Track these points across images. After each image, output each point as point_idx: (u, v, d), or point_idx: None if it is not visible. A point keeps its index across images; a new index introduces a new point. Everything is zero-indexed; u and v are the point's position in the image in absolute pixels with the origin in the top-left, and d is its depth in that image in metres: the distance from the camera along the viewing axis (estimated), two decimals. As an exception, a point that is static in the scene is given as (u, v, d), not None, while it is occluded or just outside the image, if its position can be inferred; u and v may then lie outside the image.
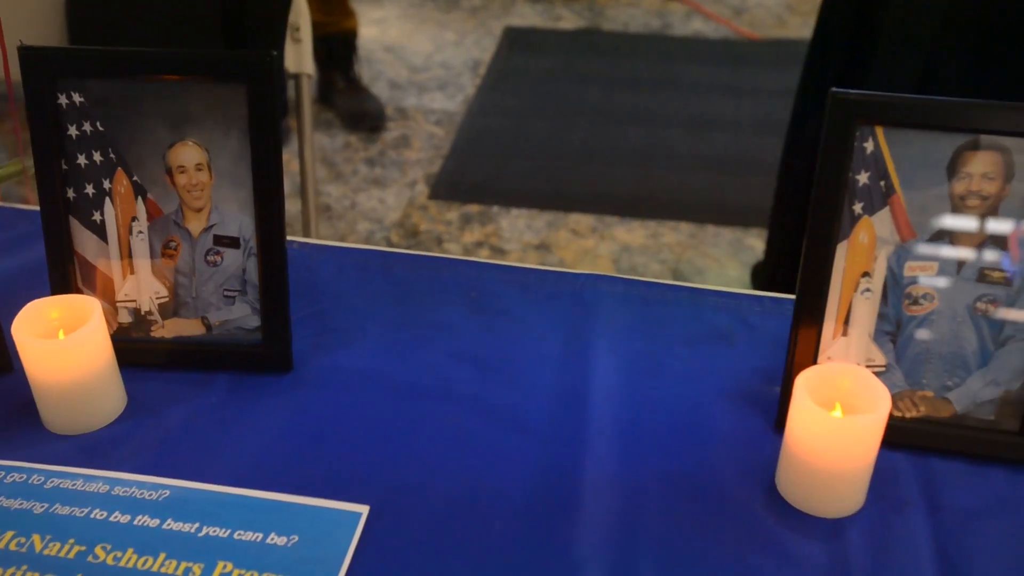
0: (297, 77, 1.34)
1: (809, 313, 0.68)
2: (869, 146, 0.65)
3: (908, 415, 0.69)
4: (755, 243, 2.12)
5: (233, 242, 0.72)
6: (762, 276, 1.92)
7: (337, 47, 2.48)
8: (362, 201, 2.29)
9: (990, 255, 0.65)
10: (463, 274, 0.85)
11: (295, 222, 2.12)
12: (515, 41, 2.87)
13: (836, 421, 0.62)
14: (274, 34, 1.24)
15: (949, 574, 0.60)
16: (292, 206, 2.26)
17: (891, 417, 0.69)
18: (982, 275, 0.66)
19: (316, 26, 2.48)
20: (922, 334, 0.68)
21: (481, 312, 0.81)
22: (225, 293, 0.73)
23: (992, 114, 0.63)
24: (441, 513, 0.64)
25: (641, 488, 0.66)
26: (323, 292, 0.84)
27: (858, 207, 0.67)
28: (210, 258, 0.73)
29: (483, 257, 2.12)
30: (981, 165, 0.64)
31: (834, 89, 0.65)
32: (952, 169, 0.64)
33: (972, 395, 0.68)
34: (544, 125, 2.51)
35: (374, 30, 2.96)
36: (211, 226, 0.72)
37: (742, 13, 2.99)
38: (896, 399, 0.69)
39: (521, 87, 2.67)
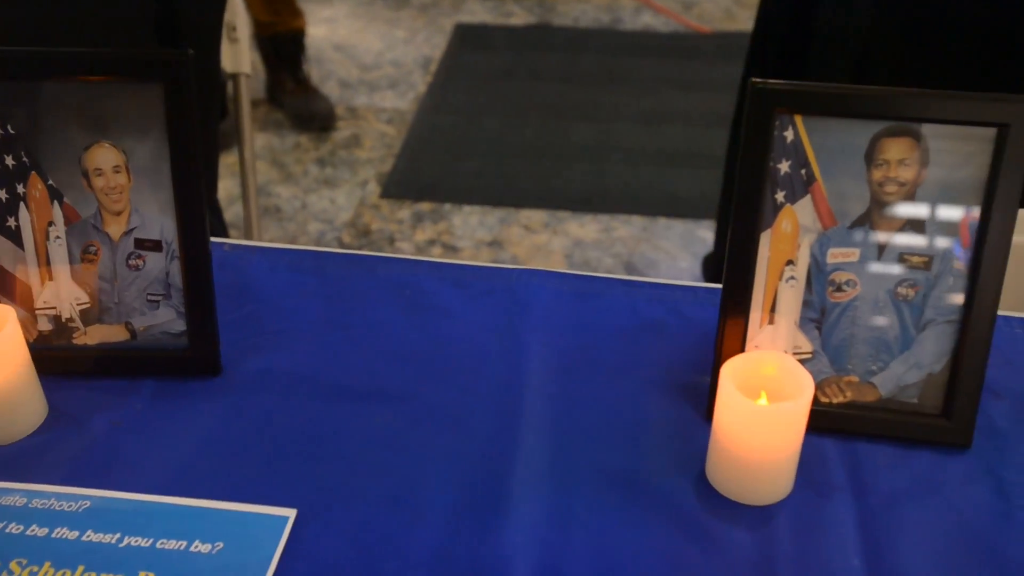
0: (235, 77, 1.32)
1: (735, 303, 0.69)
2: (789, 135, 0.66)
3: (835, 400, 0.70)
4: (706, 234, 2.13)
5: (155, 245, 0.71)
6: (712, 267, 1.93)
7: (285, 47, 2.45)
8: (313, 202, 2.27)
9: (909, 240, 0.66)
10: (397, 272, 0.85)
11: (243, 224, 2.10)
12: (466, 38, 2.86)
13: (761, 409, 0.63)
14: (209, 34, 1.22)
15: (873, 556, 0.61)
16: (240, 208, 2.24)
17: (818, 403, 0.70)
18: (902, 260, 0.67)
19: (263, 26, 2.46)
20: (846, 320, 0.68)
21: (415, 310, 0.81)
22: (149, 297, 0.72)
23: (906, 101, 0.64)
24: (370, 513, 0.63)
25: (572, 482, 0.66)
26: (254, 294, 0.83)
27: (780, 196, 0.67)
28: (132, 262, 0.71)
29: (435, 255, 2.11)
30: (897, 152, 0.65)
31: (753, 79, 0.66)
32: (870, 156, 0.65)
33: (896, 379, 0.69)
34: (495, 122, 2.51)
35: (323, 29, 2.93)
36: (131, 229, 0.71)
37: (691, 7, 3.01)
38: (823, 385, 0.70)
39: (472, 84, 2.66)
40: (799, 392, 0.62)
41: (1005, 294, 0.82)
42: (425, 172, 2.37)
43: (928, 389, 0.68)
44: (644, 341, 0.78)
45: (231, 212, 2.15)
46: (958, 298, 0.66)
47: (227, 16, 1.28)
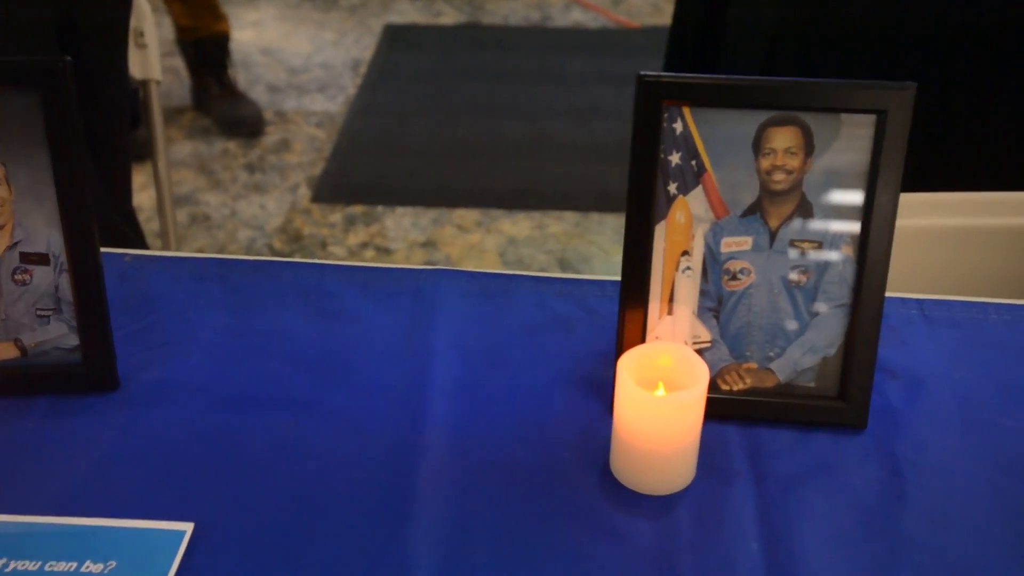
0: (145, 84, 1.29)
1: (634, 295, 0.69)
2: (678, 127, 0.66)
3: (735, 388, 0.70)
4: (638, 228, 2.15)
5: (42, 259, 0.69)
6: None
7: (208, 52, 2.41)
8: (242, 208, 2.24)
9: (799, 227, 0.67)
10: (303, 277, 0.84)
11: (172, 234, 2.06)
12: (395, 38, 2.84)
13: (658, 400, 0.63)
14: (114, 40, 1.19)
15: (772, 539, 0.62)
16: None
17: (719, 391, 0.71)
18: (793, 247, 0.68)
19: (185, 31, 2.42)
20: (742, 308, 0.69)
21: (320, 315, 0.80)
22: (38, 313, 0.70)
23: (789, 91, 0.65)
24: (272, 523, 0.62)
25: (477, 481, 0.66)
26: (156, 305, 0.81)
27: (672, 187, 0.68)
28: (18, 277, 0.69)
29: (368, 258, 2.10)
30: (783, 141, 0.66)
31: (640, 72, 0.66)
32: (757, 146, 0.66)
33: (793, 364, 0.70)
34: (427, 122, 2.50)
35: (250, 33, 2.89)
36: (16, 243, 0.68)
37: (620, 3, 3.03)
38: (723, 373, 0.70)
39: (403, 85, 2.65)
40: (695, 381, 0.63)
41: (902, 275, 0.85)
42: (356, 175, 2.35)
43: (824, 372, 0.70)
44: (551, 337, 0.78)
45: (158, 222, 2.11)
46: (848, 282, 0.68)
47: (133, 22, 1.25)
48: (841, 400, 0.69)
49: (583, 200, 2.24)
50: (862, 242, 0.67)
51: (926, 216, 0.88)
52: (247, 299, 0.82)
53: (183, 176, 2.34)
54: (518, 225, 2.18)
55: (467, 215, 2.20)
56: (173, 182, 2.32)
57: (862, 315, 0.68)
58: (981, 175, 1.14)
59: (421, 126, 2.48)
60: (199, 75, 2.45)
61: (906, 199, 0.89)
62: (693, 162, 0.67)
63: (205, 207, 2.24)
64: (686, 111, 0.66)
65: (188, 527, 0.61)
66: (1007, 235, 0.87)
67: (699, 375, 0.63)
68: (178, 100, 2.57)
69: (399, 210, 2.22)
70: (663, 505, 0.64)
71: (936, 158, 1.20)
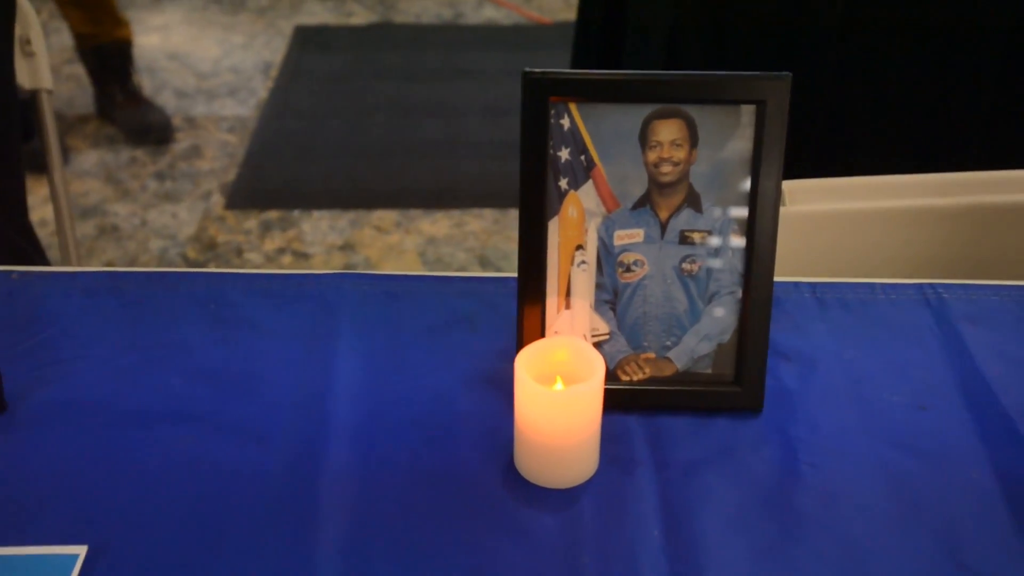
0: (35, 93, 1.25)
1: (531, 291, 0.70)
2: (566, 123, 0.67)
3: (635, 378, 0.72)
4: (556, 223, 2.16)
5: (-86, 281, 0.66)
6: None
7: (110, 59, 2.34)
8: (153, 218, 2.18)
9: (688, 217, 0.68)
10: (201, 287, 0.82)
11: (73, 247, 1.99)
12: (306, 40, 2.80)
13: (556, 394, 0.64)
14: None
15: (672, 524, 0.63)
16: (77, 230, 2.12)
17: (619, 382, 0.71)
18: (683, 237, 0.69)
19: (84, 38, 2.34)
20: (638, 299, 0.70)
21: (219, 325, 0.78)
22: (-86, 337, 0.67)
23: (672, 85, 0.66)
24: (170, 541, 0.61)
25: (380, 485, 0.65)
26: (45, 322, 0.78)
27: (564, 183, 0.68)
28: None
29: (286, 264, 2.06)
30: (668, 133, 0.67)
31: (525, 70, 0.66)
32: (643, 139, 0.67)
33: (690, 352, 0.71)
34: (341, 123, 2.47)
35: (155, 38, 2.82)
36: None
37: (531, -1, 3.04)
38: (622, 364, 0.71)
39: (315, 87, 2.61)
40: (591, 373, 0.63)
41: (795, 260, 0.87)
42: (271, 179, 2.31)
43: (720, 359, 0.71)
44: (455, 336, 0.78)
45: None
46: (738, 269, 0.69)
47: (19, 29, 1.20)
48: (737, 385, 0.71)
49: (501, 197, 2.24)
50: (749, 230, 0.68)
51: (817, 201, 0.91)
52: (142, 312, 0.80)
53: (89, 187, 2.26)
54: (437, 224, 2.17)
55: (385, 216, 2.19)
56: (79, 193, 2.25)
57: (753, 301, 0.69)
58: (873, 160, 1.18)
59: (335, 128, 2.45)
60: (102, 83, 2.38)
61: (797, 185, 0.92)
62: (582, 157, 0.68)
63: (114, 218, 2.18)
64: (572, 107, 0.67)
65: (81, 550, 0.60)
66: (893, 217, 0.90)
67: (595, 367, 0.63)
68: (82, 109, 2.49)
69: (316, 214, 2.19)
70: (567, 498, 0.65)
71: (831, 145, 1.24)
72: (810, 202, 0.90)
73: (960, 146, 1.29)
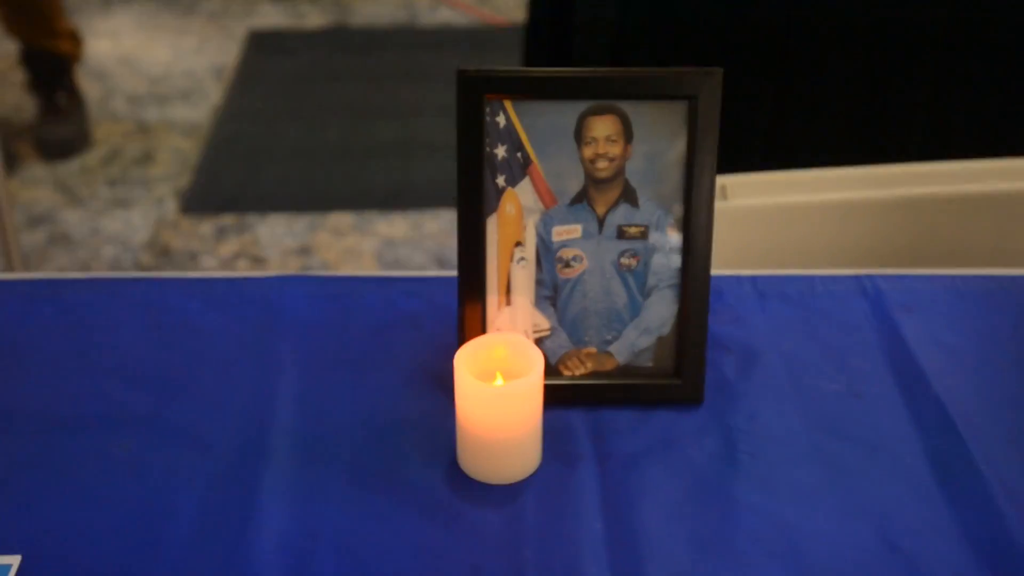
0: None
1: (471, 288, 0.70)
2: (501, 120, 0.67)
3: (577, 373, 0.72)
4: (513, 223, 2.17)
5: None
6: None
7: (37, 68, 2.30)
8: (106, 225, 2.15)
9: (625, 212, 0.69)
10: (142, 292, 0.81)
11: (29, 255, 1.96)
12: (260, 43, 2.78)
13: (496, 390, 0.64)
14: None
15: (613, 517, 0.63)
16: (27, 238, 2.09)
17: (561, 377, 0.72)
18: (621, 232, 0.70)
19: (24, 44, 2.29)
20: (578, 294, 0.71)
21: (160, 330, 0.77)
22: None
23: (605, 81, 0.66)
24: (106, 548, 0.60)
25: (323, 486, 0.65)
26: (-20, 331, 0.77)
27: (501, 180, 0.69)
28: None
29: (241, 269, 2.05)
30: (603, 129, 0.67)
31: (460, 68, 0.67)
32: (578, 135, 0.68)
33: (630, 345, 0.72)
34: (296, 127, 2.45)
35: (106, 43, 2.78)
36: None
37: (487, 0, 3.04)
38: (564, 359, 0.72)
39: (270, 90, 2.59)
40: (530, 369, 0.64)
41: (736, 254, 0.88)
42: (226, 184, 2.28)
43: (660, 352, 0.72)
44: (399, 335, 0.78)
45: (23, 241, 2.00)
46: (676, 263, 0.70)
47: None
48: (678, 377, 0.72)
49: (459, 198, 2.24)
50: (685, 223, 0.69)
51: (758, 195, 0.92)
52: (82, 319, 0.79)
53: (39, 195, 2.23)
54: (394, 226, 2.17)
55: (342, 219, 2.18)
56: (28, 201, 2.21)
57: (691, 294, 0.70)
58: (815, 154, 1.19)
59: (290, 131, 2.43)
60: (33, 92, 2.34)
61: (739, 179, 0.94)
62: (519, 154, 0.68)
63: (64, 226, 2.14)
64: (508, 104, 0.67)
65: (15, 560, 0.59)
66: (832, 209, 0.92)
67: (534, 363, 0.64)
68: (31, 116, 2.44)
69: (271, 217, 2.17)
70: (509, 493, 0.65)
71: (774, 139, 1.26)
72: (751, 196, 0.92)
73: (902, 139, 1.32)
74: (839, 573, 0.60)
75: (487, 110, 0.67)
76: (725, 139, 0.68)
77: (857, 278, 0.84)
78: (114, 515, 0.63)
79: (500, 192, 0.69)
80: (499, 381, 0.65)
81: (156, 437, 0.68)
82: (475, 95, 0.66)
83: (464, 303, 0.70)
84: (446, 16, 2.96)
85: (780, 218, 0.92)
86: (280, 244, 2.11)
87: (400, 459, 0.67)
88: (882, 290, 0.82)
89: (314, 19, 2.92)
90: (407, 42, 2.81)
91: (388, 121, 2.47)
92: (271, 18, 2.92)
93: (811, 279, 0.84)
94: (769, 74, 1.24)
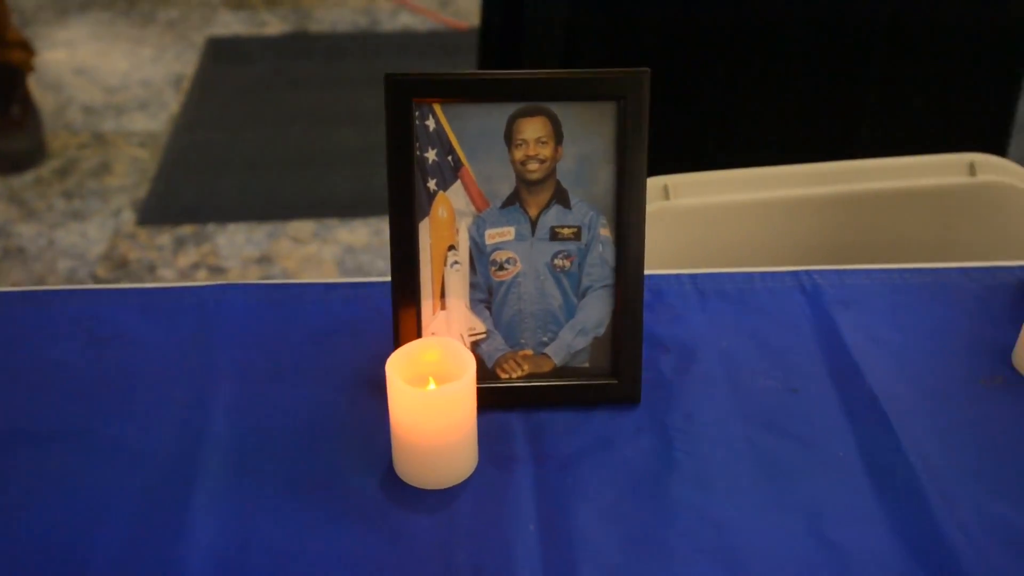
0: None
1: (405, 293, 0.70)
2: (431, 124, 0.67)
3: (514, 375, 0.72)
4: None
5: None
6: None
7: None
8: (61, 238, 2.12)
9: (557, 214, 0.69)
10: (76, 305, 0.80)
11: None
12: (219, 51, 2.76)
13: (428, 394, 0.64)
14: None
15: (548, 518, 0.63)
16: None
17: (498, 380, 0.72)
18: (553, 233, 0.70)
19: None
20: (512, 297, 0.71)
21: (94, 342, 0.76)
22: None
23: (533, 83, 0.67)
24: (36, 563, 0.59)
25: (257, 496, 0.64)
26: (-91, 347, 0.75)
27: (432, 184, 0.68)
28: None
29: (201, 279, 2.03)
30: (533, 131, 0.67)
31: (387, 72, 0.67)
32: (509, 137, 0.67)
33: (566, 347, 0.72)
34: (257, 135, 2.44)
35: (61, 53, 2.74)
36: None
37: (447, 5, 3.05)
38: (501, 362, 0.72)
39: (229, 98, 2.57)
40: (463, 372, 0.64)
41: (677, 252, 0.89)
42: (184, 194, 2.26)
43: (596, 352, 0.72)
44: (338, 343, 0.78)
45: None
46: (610, 263, 0.70)
47: None
48: (614, 377, 0.72)
49: (420, 203, 2.23)
50: (618, 223, 0.69)
51: (699, 195, 0.93)
52: (14, 334, 0.77)
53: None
54: (355, 233, 2.16)
55: (303, 226, 2.17)
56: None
57: (625, 293, 0.70)
58: (760, 153, 1.20)
59: (250, 139, 2.42)
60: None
61: (680, 179, 0.94)
62: (449, 157, 0.68)
63: (18, 239, 2.11)
64: (437, 107, 0.67)
65: (-64, 580, 0.58)
66: (772, 207, 0.93)
67: (467, 366, 0.64)
68: (-17, 127, 2.41)
69: (231, 227, 2.16)
70: (445, 498, 0.65)
71: (718, 139, 1.27)
72: (692, 195, 0.92)
73: (847, 136, 1.33)
74: (771, 568, 0.60)
75: (416, 114, 0.67)
76: (675, 138, 0.68)
77: (796, 274, 0.84)
78: (45, 529, 0.62)
79: (432, 196, 0.68)
80: (432, 386, 0.65)
81: (88, 450, 0.67)
82: (403, 99, 0.66)
83: (398, 308, 0.70)
84: (407, 21, 2.96)
85: (722, 216, 0.92)
86: (240, 253, 2.09)
87: (336, 467, 0.67)
88: (820, 286, 0.83)
89: (274, 26, 2.91)
90: (368, 48, 2.81)
91: (349, 128, 2.46)
92: (230, 26, 2.90)
93: (751, 276, 0.84)
94: (722, 72, 1.25)
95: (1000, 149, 1.42)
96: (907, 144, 1.12)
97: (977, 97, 1.35)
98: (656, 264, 0.90)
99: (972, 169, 0.95)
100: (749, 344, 0.78)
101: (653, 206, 0.92)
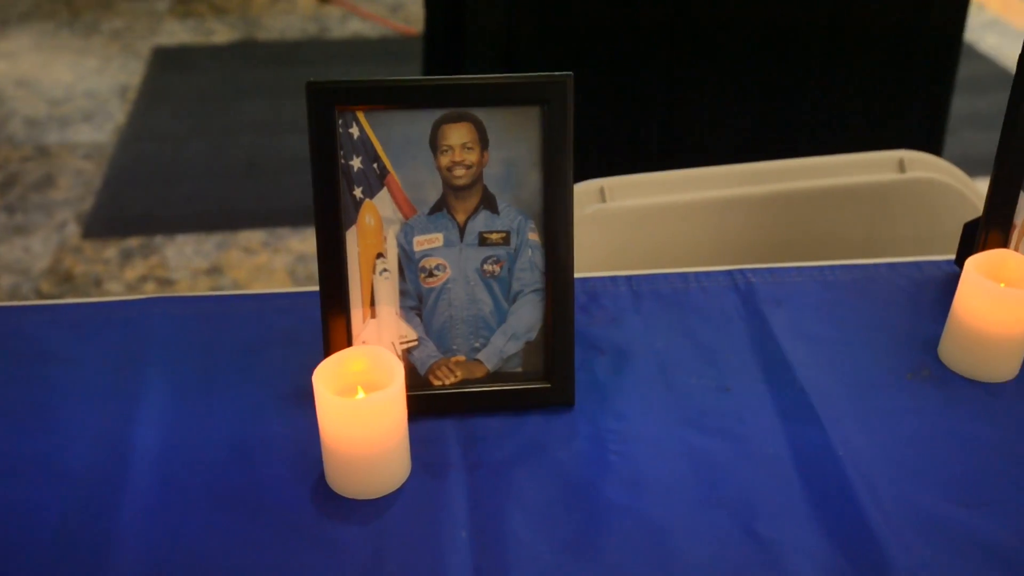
0: None
1: (334, 302, 0.69)
2: (355, 131, 0.67)
3: (447, 382, 0.72)
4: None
5: None
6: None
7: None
8: (3, 253, 2.08)
9: (485, 219, 0.69)
10: (4, 322, 0.78)
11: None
12: (165, 61, 2.73)
13: (356, 403, 0.63)
14: None
15: (480, 525, 0.63)
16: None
17: (431, 387, 0.72)
18: (482, 239, 0.70)
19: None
20: (443, 303, 0.70)
21: (17, 360, 0.75)
22: None
23: (457, 89, 0.66)
24: (-48, 591, 0.58)
25: (186, 512, 0.63)
26: None
27: (358, 192, 0.68)
28: None
29: (149, 292, 2.00)
30: (458, 137, 0.67)
31: (309, 80, 0.66)
32: (434, 144, 0.67)
33: (499, 352, 0.72)
34: (205, 144, 2.41)
35: (2, 65, 2.69)
36: None
37: (397, 10, 3.04)
38: (434, 368, 0.72)
39: (177, 108, 2.54)
40: (391, 380, 0.63)
41: (614, 254, 0.89)
42: (131, 206, 2.23)
43: (529, 357, 0.72)
44: (272, 354, 0.77)
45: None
46: (539, 267, 0.70)
47: None
48: (547, 381, 0.72)
49: (372, 210, 2.22)
50: (546, 227, 0.69)
51: (636, 196, 0.93)
52: (-65, 352, 0.75)
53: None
54: (307, 241, 2.14)
55: (253, 236, 2.14)
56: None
57: (556, 297, 0.70)
58: (700, 153, 1.22)
59: (198, 149, 2.39)
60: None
61: (616, 181, 0.95)
62: (375, 165, 0.68)
63: (-41, 256, 2.07)
64: (360, 115, 0.67)
65: None
66: (707, 207, 0.93)
67: (395, 374, 0.63)
68: (-79, 143, 2.36)
69: (180, 238, 2.13)
70: (377, 508, 0.64)
71: (658, 141, 1.28)
72: (628, 197, 0.93)
73: (787, 138, 1.35)
74: (701, 565, 0.61)
75: (340, 121, 0.66)
76: (616, 142, 0.69)
77: (730, 273, 0.85)
78: (-40, 555, 0.60)
79: (358, 204, 0.68)
80: (360, 395, 0.65)
81: (11, 471, 0.66)
82: (326, 106, 0.66)
83: (328, 318, 0.69)
84: (357, 27, 2.95)
85: (658, 218, 0.93)
86: (189, 265, 2.07)
87: (267, 480, 0.66)
88: (754, 285, 0.84)
89: (221, 34, 2.88)
90: (318, 55, 2.79)
91: (299, 135, 2.44)
92: (177, 35, 2.87)
93: (685, 277, 0.85)
94: (660, 76, 1.26)
95: (937, 147, 1.45)
96: (846, 145, 1.14)
97: (913, 97, 1.37)
98: (593, 266, 0.90)
99: (902, 166, 0.96)
100: (683, 344, 0.78)
101: (589, 208, 0.93)
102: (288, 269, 2.07)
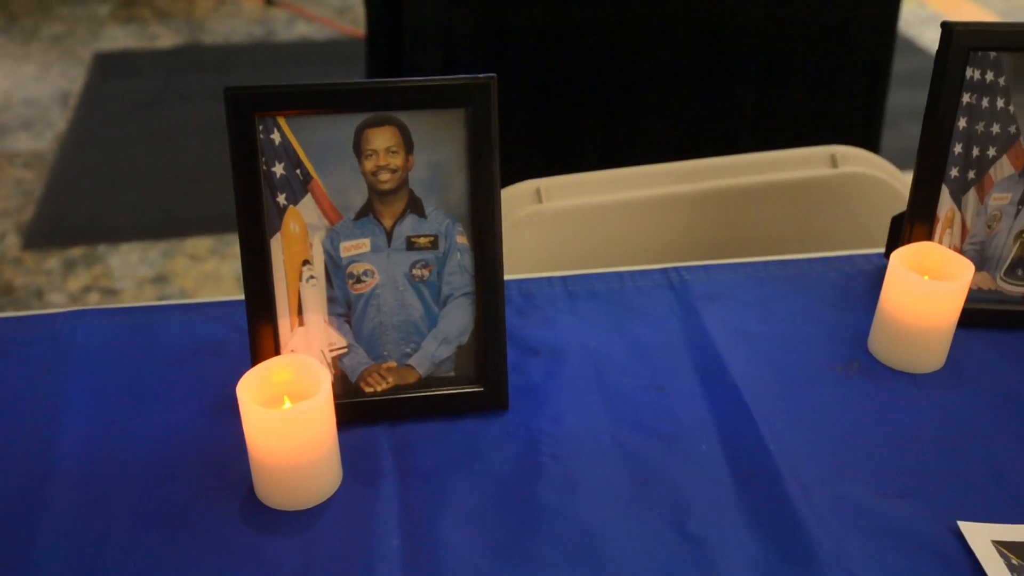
0: None
1: (260, 311, 0.68)
2: (276, 137, 0.66)
3: (379, 388, 0.71)
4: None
5: None
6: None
7: None
8: (-60, 266, 2.02)
9: (412, 223, 0.68)
10: (-83, 339, 0.76)
11: None
12: (107, 66, 2.68)
13: (281, 414, 0.62)
14: None
15: (411, 532, 0.62)
16: None
17: (362, 394, 0.71)
18: (410, 243, 0.69)
19: None
20: (372, 309, 0.70)
21: (-64, 378, 0.73)
22: None
23: (379, 92, 0.66)
24: None
25: (107, 533, 0.62)
26: None
27: (282, 198, 0.67)
28: None
29: (93, 303, 1.96)
30: (382, 141, 0.66)
31: (226, 87, 0.65)
32: (358, 148, 0.66)
33: (430, 357, 0.71)
34: (148, 151, 2.37)
35: (-63, 72, 2.62)
36: None
37: (345, 12, 3.01)
38: (364, 375, 0.71)
39: (120, 114, 2.50)
40: (317, 388, 0.62)
41: (551, 255, 0.89)
42: (73, 215, 2.19)
43: (461, 361, 0.71)
44: (200, 364, 0.75)
45: None
46: (469, 270, 0.70)
47: None
48: (480, 385, 0.71)
49: (322, 214, 2.20)
50: (474, 230, 0.69)
51: (571, 196, 0.93)
52: None
53: None
54: (255, 248, 2.11)
55: (200, 243, 2.11)
56: None
57: (487, 300, 0.70)
58: (637, 153, 1.22)
59: (142, 156, 2.35)
60: None
61: (552, 182, 0.94)
62: (298, 171, 0.66)
63: None
64: (281, 121, 0.65)
65: None
66: (643, 206, 0.94)
67: (322, 382, 0.62)
68: None
69: (124, 247, 2.09)
70: (308, 519, 0.63)
71: (596, 140, 1.28)
72: (564, 197, 0.93)
73: (727, 137, 1.36)
74: (635, 566, 0.60)
75: (260, 127, 0.65)
76: (554, 142, 0.68)
77: (664, 271, 0.85)
78: None
79: (282, 211, 0.67)
80: (287, 405, 0.64)
81: (-75, 494, 0.64)
82: (245, 113, 0.64)
83: (255, 327, 0.68)
84: (304, 30, 2.92)
85: (594, 217, 0.93)
86: (134, 274, 2.03)
87: (194, 494, 0.65)
88: (688, 282, 0.84)
89: (165, 39, 2.83)
90: (264, 58, 2.76)
91: (245, 140, 2.41)
92: (119, 40, 2.81)
93: (621, 276, 0.85)
94: (602, 74, 1.26)
95: (874, 141, 1.47)
96: (786, 141, 1.15)
97: (849, 92, 1.39)
98: (530, 267, 0.90)
99: (834, 161, 0.97)
100: (618, 344, 0.78)
101: (525, 210, 0.92)
102: (237, 276, 2.04)
